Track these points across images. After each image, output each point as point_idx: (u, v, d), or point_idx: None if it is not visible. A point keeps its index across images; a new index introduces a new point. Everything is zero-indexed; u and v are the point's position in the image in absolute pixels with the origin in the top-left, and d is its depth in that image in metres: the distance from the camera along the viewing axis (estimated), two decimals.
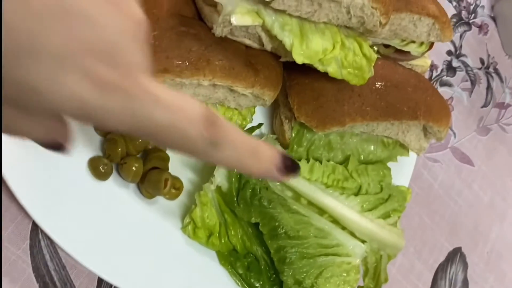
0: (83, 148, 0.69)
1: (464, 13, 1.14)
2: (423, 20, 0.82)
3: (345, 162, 0.83)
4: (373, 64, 0.73)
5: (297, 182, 0.77)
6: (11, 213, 0.66)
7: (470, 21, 1.15)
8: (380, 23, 0.70)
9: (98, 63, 0.31)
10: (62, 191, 0.66)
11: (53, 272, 0.66)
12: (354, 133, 0.83)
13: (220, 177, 0.73)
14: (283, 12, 0.66)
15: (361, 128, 0.80)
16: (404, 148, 0.87)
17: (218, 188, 0.73)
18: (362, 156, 0.84)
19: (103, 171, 0.68)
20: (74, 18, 0.30)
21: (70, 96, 0.30)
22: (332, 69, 0.71)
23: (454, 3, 1.13)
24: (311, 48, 0.69)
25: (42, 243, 0.67)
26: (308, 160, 0.80)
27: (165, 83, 0.65)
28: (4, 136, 0.36)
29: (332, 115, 0.77)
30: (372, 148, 0.85)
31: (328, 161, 0.82)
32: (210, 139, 0.36)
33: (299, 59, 0.68)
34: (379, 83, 0.79)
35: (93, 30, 0.31)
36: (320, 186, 0.78)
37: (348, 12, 0.68)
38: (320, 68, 0.70)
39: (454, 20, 1.12)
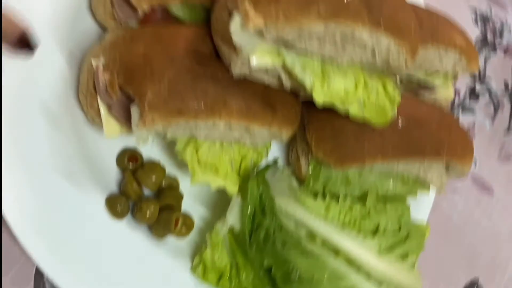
0: (98, 186, 0.67)
1: (489, 36, 1.09)
2: (450, 52, 0.78)
3: (363, 197, 0.80)
4: (396, 105, 0.69)
5: (313, 221, 0.74)
6: (15, 254, 0.64)
7: (495, 43, 1.10)
8: (406, 62, 0.67)
9: None
10: (69, 232, 0.64)
11: None
12: (373, 170, 0.79)
13: (232, 218, 0.71)
14: (304, 52, 0.63)
15: (381, 166, 0.77)
16: (424, 184, 0.83)
17: (230, 228, 0.71)
18: (380, 191, 0.81)
19: (120, 210, 0.66)
20: None
21: None
22: (353, 110, 0.67)
23: (479, 24, 1.08)
24: (332, 88, 0.65)
25: (47, 286, 0.64)
26: (324, 195, 0.77)
27: (179, 125, 0.62)
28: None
29: (352, 153, 0.74)
30: (391, 183, 0.81)
31: (345, 196, 0.78)
32: None
33: (319, 99, 0.65)
34: (401, 121, 0.75)
35: None
36: (336, 225, 0.75)
37: (373, 54, 0.64)
38: (341, 108, 0.67)
39: (479, 43, 1.08)
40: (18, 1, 0.62)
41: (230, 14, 0.60)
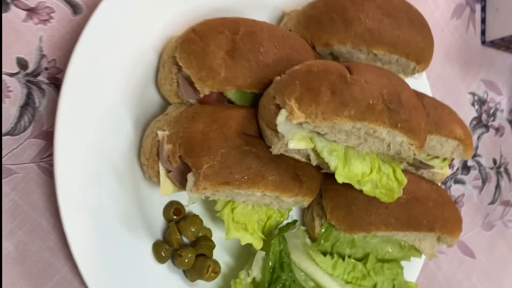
0: (147, 233, 0.79)
1: (484, 116, 1.24)
2: (450, 142, 0.92)
3: (364, 258, 0.92)
4: (402, 187, 0.82)
5: (321, 276, 0.87)
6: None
7: (489, 124, 1.25)
8: (414, 154, 0.80)
9: None
10: (122, 270, 0.76)
11: None
12: (376, 235, 0.92)
13: (256, 270, 0.83)
14: (332, 140, 0.76)
15: (383, 234, 0.90)
16: (417, 250, 0.97)
17: (253, 279, 0.83)
18: (380, 254, 0.94)
19: (163, 255, 0.78)
20: None
21: None
22: (367, 189, 0.80)
23: (476, 107, 1.22)
24: (352, 171, 0.78)
25: None
26: (332, 254, 0.90)
27: (224, 192, 0.74)
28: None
29: (360, 222, 0.87)
30: (389, 248, 0.94)
31: (349, 256, 0.91)
32: None
33: (340, 179, 0.78)
34: (404, 197, 0.88)
35: None
36: (341, 281, 0.88)
37: (388, 146, 0.77)
38: (357, 186, 0.80)
39: (475, 122, 1.22)
40: (99, 74, 0.74)
41: (276, 106, 0.73)
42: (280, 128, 0.72)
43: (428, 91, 1.04)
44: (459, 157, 0.96)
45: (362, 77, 0.73)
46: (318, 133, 0.75)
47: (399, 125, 0.74)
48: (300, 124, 0.72)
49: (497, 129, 1.26)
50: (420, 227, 0.89)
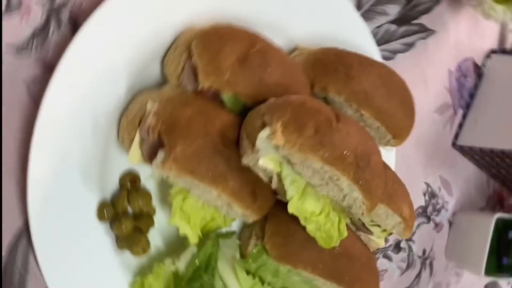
0: (99, 189, 0.81)
1: (430, 208, 1.32)
2: (395, 217, 0.99)
3: None
4: (341, 239, 0.88)
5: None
6: None
7: (432, 217, 1.33)
8: (363, 213, 0.86)
9: None
10: (65, 216, 0.78)
11: None
12: (300, 273, 0.97)
13: (182, 261, 0.86)
14: (298, 172, 0.81)
15: (307, 275, 0.94)
16: None
17: (176, 269, 0.86)
18: None
19: (105, 214, 0.81)
20: None
21: None
22: (310, 227, 0.85)
23: (427, 197, 1.31)
24: (304, 206, 0.83)
25: None
26: (254, 276, 0.94)
27: (185, 180, 0.78)
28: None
29: (291, 256, 0.91)
30: None
31: (269, 284, 0.95)
32: None
33: (291, 209, 0.82)
34: (338, 249, 0.94)
35: None
36: None
37: (344, 197, 0.83)
38: (302, 222, 0.85)
39: (420, 210, 1.30)
40: (115, 32, 0.78)
41: (262, 123, 0.77)
42: (258, 142, 0.76)
43: (392, 165, 1.11)
44: (397, 233, 1.02)
45: (346, 128, 0.79)
46: (288, 161, 0.80)
47: (360, 182, 0.80)
48: (277, 146, 0.77)
49: (437, 224, 1.34)
50: (341, 281, 0.94)
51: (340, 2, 1.00)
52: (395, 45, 1.18)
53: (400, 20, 1.17)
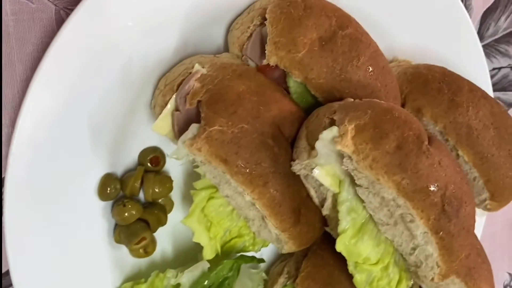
0: (109, 157, 0.65)
1: None
2: None
3: None
4: None
5: None
6: None
7: None
8: (433, 278, 0.64)
9: None
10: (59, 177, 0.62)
11: None
12: None
13: (188, 277, 0.67)
14: (360, 199, 0.61)
15: None
16: None
17: (177, 285, 0.67)
18: None
19: (108, 192, 0.64)
20: None
21: None
22: (359, 278, 0.64)
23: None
24: (358, 247, 0.63)
25: None
26: None
27: (216, 170, 0.60)
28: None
29: None
30: None
31: None
32: None
33: (339, 247, 0.62)
34: None
35: None
36: None
37: (413, 250, 0.62)
38: (351, 269, 0.64)
39: None
40: None
41: (331, 122, 0.59)
42: (318, 144, 0.58)
43: (478, 235, 0.88)
44: None
45: (438, 157, 0.59)
46: (352, 181, 0.61)
47: (441, 233, 0.59)
48: (341, 156, 0.58)
49: None
50: None
51: (462, 23, 0.81)
52: None
53: None
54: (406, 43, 0.80)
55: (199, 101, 0.61)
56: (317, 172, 0.60)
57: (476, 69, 0.82)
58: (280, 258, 0.80)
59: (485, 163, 0.73)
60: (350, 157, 0.57)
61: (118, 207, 0.65)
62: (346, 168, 0.58)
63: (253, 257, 0.72)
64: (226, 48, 0.70)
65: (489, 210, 0.80)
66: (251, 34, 0.65)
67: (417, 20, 0.80)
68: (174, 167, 0.71)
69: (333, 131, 0.57)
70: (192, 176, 0.71)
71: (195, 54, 0.67)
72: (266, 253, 0.77)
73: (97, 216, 0.66)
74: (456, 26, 0.81)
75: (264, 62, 0.63)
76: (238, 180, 0.60)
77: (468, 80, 0.75)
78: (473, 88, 0.73)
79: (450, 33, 0.81)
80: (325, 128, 0.58)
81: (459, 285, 0.75)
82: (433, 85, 0.73)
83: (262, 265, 0.78)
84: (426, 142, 0.59)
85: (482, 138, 0.72)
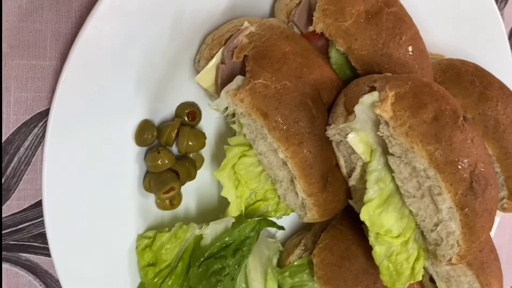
0: (150, 105, 0.67)
1: None
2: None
3: None
4: (412, 281, 0.67)
5: None
6: None
7: None
8: (450, 259, 0.65)
9: None
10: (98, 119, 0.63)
11: None
12: None
13: (211, 230, 0.68)
14: (390, 170, 0.63)
15: None
16: None
17: (200, 236, 0.68)
18: None
19: (145, 137, 0.66)
20: None
21: None
22: (379, 250, 0.65)
23: None
24: (381, 218, 0.64)
25: None
26: None
27: (254, 123, 0.62)
28: None
29: (338, 283, 0.71)
30: None
31: None
32: None
33: (363, 216, 0.63)
34: None
35: None
36: None
37: (436, 225, 0.63)
38: (371, 240, 0.65)
39: None
40: None
41: (371, 89, 0.61)
42: (357, 108, 0.60)
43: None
44: None
45: (471, 133, 0.61)
46: (383, 151, 0.62)
47: (467, 210, 0.60)
48: (378, 123, 0.60)
49: None
50: None
51: (496, 28, 0.84)
52: None
53: None
54: (440, 38, 0.82)
55: (245, 56, 0.63)
56: (351, 137, 0.62)
57: (504, 73, 0.84)
58: (297, 232, 0.81)
59: (509, 159, 0.75)
60: (387, 123, 0.59)
61: (152, 154, 0.67)
62: (382, 135, 0.60)
63: (274, 223, 0.73)
64: (271, 15, 0.72)
65: (504, 210, 0.81)
66: (300, 1, 0.68)
67: (453, 18, 0.83)
68: (208, 127, 0.72)
69: (374, 96, 0.59)
70: (223, 139, 0.72)
71: (242, 15, 0.70)
72: (285, 224, 0.78)
73: (130, 161, 0.67)
74: (490, 29, 0.84)
75: (311, 28, 0.65)
76: (275, 135, 0.61)
77: (498, 79, 0.77)
78: (503, 86, 0.76)
79: (483, 33, 0.83)
80: (364, 94, 0.60)
81: (470, 278, 0.76)
82: (466, 77, 0.75)
83: (279, 236, 0.80)
84: (462, 118, 0.61)
85: (508, 134, 0.74)
